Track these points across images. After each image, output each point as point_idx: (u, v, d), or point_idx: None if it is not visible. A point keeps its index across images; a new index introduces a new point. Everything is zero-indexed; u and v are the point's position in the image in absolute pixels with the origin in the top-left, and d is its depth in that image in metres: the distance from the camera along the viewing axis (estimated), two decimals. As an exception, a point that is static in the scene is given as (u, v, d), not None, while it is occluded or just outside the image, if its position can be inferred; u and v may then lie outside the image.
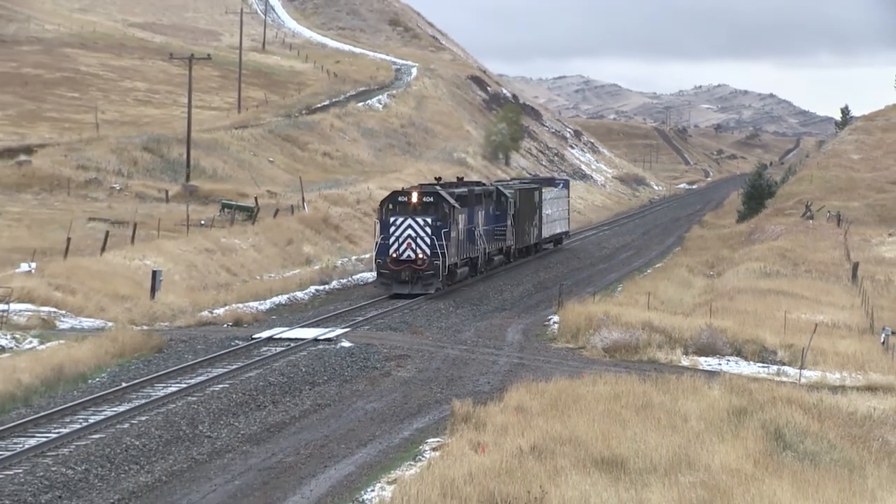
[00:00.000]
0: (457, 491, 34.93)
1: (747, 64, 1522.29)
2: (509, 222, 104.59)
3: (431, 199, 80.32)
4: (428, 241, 77.74)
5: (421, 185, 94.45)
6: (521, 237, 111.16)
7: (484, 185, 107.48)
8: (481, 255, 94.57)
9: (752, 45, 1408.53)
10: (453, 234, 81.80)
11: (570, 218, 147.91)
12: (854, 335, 78.22)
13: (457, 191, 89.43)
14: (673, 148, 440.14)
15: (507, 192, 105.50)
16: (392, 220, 79.27)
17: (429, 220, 78.34)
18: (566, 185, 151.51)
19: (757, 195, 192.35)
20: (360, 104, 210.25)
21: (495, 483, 35.76)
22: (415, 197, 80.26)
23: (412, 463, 41.01)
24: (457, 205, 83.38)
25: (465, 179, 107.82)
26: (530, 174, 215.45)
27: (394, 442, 44.62)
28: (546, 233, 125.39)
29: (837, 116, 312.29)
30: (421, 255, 77.92)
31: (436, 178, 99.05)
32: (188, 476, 38.71)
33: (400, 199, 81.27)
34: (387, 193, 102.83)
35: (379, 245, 79.52)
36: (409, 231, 78.03)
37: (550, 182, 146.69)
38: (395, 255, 78.39)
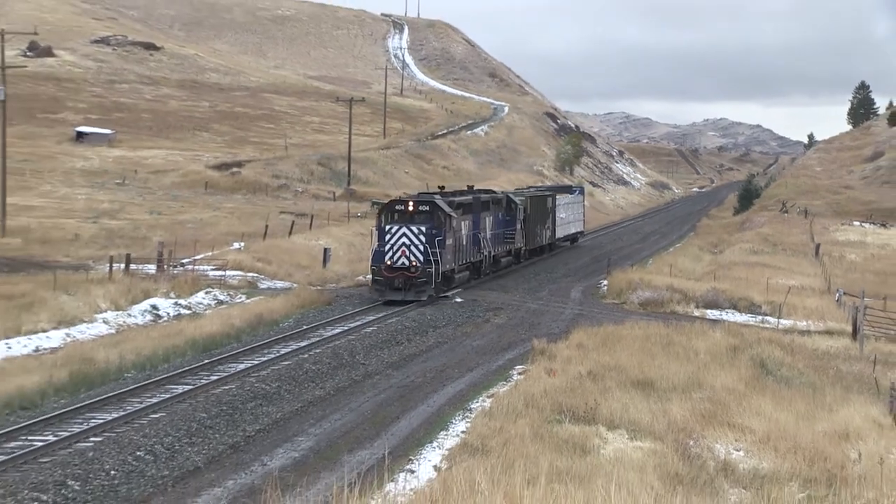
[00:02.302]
0: (535, 402, 34.98)
1: (741, 103, 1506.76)
2: (518, 226, 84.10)
3: (427, 208, 61.87)
4: (421, 248, 59.71)
5: (420, 193, 76.08)
6: (532, 239, 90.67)
7: (494, 192, 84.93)
8: (486, 259, 74.66)
9: (746, 90, 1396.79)
10: (449, 241, 62.86)
11: (584, 220, 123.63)
12: (816, 295, 77.98)
13: (458, 199, 70.25)
14: (688, 163, 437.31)
15: (516, 199, 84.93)
16: (388, 227, 60.88)
17: (423, 228, 60.19)
18: (581, 191, 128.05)
19: (747, 196, 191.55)
20: (469, 132, 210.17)
21: (562, 397, 35.81)
22: (411, 205, 62.02)
23: (504, 383, 41.07)
24: (453, 213, 64.50)
25: (478, 188, 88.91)
26: (589, 181, 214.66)
27: (491, 368, 44.69)
28: (560, 234, 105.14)
29: (806, 140, 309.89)
30: (414, 263, 59.65)
31: (439, 187, 79.86)
32: (349, 391, 38.91)
33: (397, 207, 62.63)
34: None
35: (375, 252, 61.09)
36: (404, 239, 60.01)
37: (567, 189, 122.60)
38: (389, 263, 59.68)
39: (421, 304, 61.00)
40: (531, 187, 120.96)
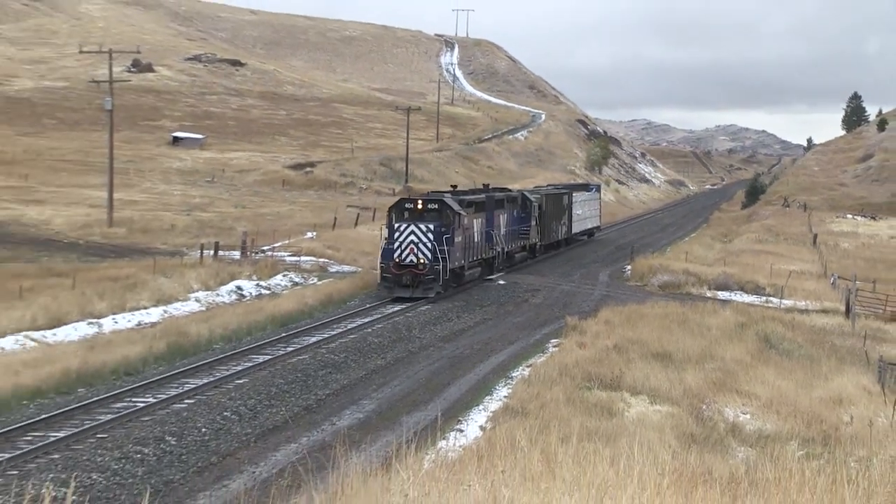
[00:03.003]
0: (568, 371, 35.05)
1: (749, 111, 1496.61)
2: (534, 223, 75.47)
3: (436, 206, 53.27)
4: (430, 246, 51.30)
5: (430, 192, 66.45)
6: (547, 235, 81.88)
7: (509, 191, 75.96)
8: (499, 255, 65.85)
9: (752, 99, 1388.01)
10: (458, 238, 54.76)
11: (601, 215, 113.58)
12: (814, 278, 77.77)
13: (468, 198, 60.97)
14: (701, 163, 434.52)
15: (531, 197, 76.07)
16: (397, 225, 52.38)
17: (431, 226, 51.78)
18: (598, 189, 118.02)
19: (754, 192, 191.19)
20: (510, 136, 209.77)
21: (592, 367, 35.86)
22: (420, 204, 53.73)
23: (541, 354, 41.10)
24: (463, 211, 55.96)
25: (494, 186, 78.44)
26: (615, 180, 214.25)
27: (530, 342, 44.70)
28: (576, 229, 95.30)
29: (805, 144, 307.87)
30: (422, 260, 51.36)
31: (451, 186, 72.79)
32: (406, 361, 39.01)
33: (406, 205, 54.03)
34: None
35: (384, 249, 52.66)
36: (412, 237, 51.65)
37: (584, 187, 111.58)
38: (398, 260, 51.54)
39: (468, 286, 60.70)
40: (550, 185, 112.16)
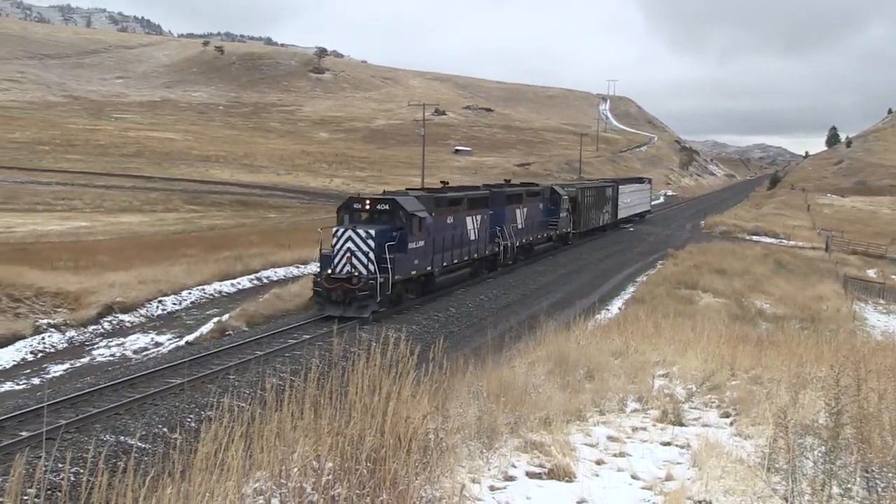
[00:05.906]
0: (667, 278, 34.41)
1: (773, 136, 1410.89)
2: (563, 214, 44.36)
3: (386, 207, 24.00)
4: (369, 255, 22.69)
5: (407, 188, 34.93)
6: (586, 223, 50.82)
7: (533, 186, 42.63)
8: (508, 248, 35.05)
9: (775, 129, 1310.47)
10: (415, 244, 24.62)
11: (650, 202, 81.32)
12: (807, 230, 74.16)
13: (450, 195, 29.38)
14: (745, 165, 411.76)
15: (560, 191, 45.03)
16: (336, 230, 23.33)
17: (373, 231, 22.81)
18: (650, 182, 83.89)
19: (774, 182, 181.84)
20: (637, 149, 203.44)
21: (681, 276, 35.08)
22: (368, 204, 24.15)
23: (652, 269, 40.23)
24: (422, 213, 25.06)
25: (523, 182, 48.60)
26: (696, 174, 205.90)
27: (647, 262, 43.70)
28: (624, 215, 62.92)
29: (804, 154, 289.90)
30: (357, 273, 22.62)
31: (441, 182, 36.55)
32: (578, 272, 38.60)
33: (354, 205, 24.30)
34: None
35: (322, 257, 23.60)
36: (349, 244, 22.70)
37: (638, 180, 77.43)
38: (330, 272, 22.86)
39: (618, 232, 58.83)
40: (604, 179, 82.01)
